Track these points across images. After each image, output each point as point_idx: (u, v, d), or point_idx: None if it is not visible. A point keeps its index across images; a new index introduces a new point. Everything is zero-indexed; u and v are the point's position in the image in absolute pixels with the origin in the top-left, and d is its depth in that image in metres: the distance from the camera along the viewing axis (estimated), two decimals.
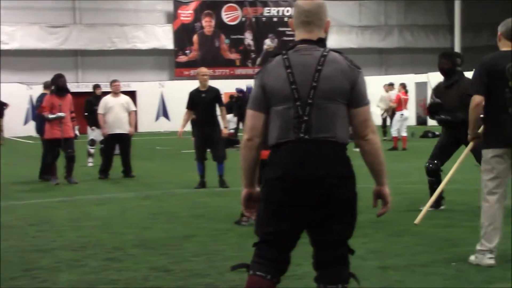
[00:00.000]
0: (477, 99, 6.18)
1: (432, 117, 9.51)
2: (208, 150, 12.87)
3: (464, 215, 8.80)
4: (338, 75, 3.80)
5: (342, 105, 3.81)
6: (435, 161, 9.19)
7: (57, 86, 13.88)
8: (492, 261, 6.05)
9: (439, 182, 8.69)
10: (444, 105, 9.10)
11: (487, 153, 6.19)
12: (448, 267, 6.15)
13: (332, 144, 3.78)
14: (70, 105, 13.96)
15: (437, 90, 9.40)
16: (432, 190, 8.87)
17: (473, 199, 9.47)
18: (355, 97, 3.82)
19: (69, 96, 14.07)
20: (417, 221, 6.79)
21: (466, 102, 8.22)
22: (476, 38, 44.77)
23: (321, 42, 3.96)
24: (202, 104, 12.68)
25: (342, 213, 3.83)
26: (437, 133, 23.35)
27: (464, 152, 6.95)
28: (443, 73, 9.28)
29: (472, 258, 6.20)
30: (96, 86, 18.26)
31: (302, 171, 3.73)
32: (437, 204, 8.88)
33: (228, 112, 26.46)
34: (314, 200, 3.76)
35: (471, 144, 6.64)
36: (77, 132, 14.98)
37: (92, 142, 18.03)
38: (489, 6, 43.98)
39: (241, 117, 26.23)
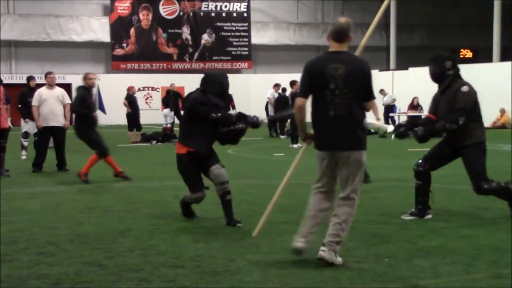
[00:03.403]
0: (299, 102, 6.34)
1: (404, 136, 9.08)
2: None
3: (395, 211, 8.92)
4: None
5: None
6: (424, 164, 8.55)
7: None
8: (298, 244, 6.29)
9: (427, 187, 8.51)
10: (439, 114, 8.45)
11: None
12: (381, 262, 6.23)
13: None
14: (2, 96, 13.69)
15: (435, 98, 8.62)
16: (418, 194, 8.54)
17: (404, 197, 9.65)
18: None
19: (1, 88, 13.80)
20: (255, 233, 7.03)
21: (457, 108, 8.16)
22: (410, 37, 45.59)
23: None
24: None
25: None
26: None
27: (300, 152, 7.10)
28: (433, 79, 8.56)
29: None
30: (30, 78, 17.96)
31: None
32: (422, 213, 8.49)
33: (165, 107, 26.42)
34: None
35: (304, 145, 6.80)
36: (10, 124, 14.69)
37: (26, 135, 17.74)
38: (423, 6, 44.80)
39: (177, 112, 26.12)
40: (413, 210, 8.56)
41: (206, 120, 8.27)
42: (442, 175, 12.17)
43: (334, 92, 6.15)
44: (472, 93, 8.27)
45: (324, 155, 6.31)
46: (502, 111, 30.92)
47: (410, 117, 8.90)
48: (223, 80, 8.60)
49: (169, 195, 10.83)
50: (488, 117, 30.97)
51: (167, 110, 26.17)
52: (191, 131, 8.33)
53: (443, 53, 9.10)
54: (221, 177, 8.30)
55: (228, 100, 24.12)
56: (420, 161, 8.59)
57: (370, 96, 6.33)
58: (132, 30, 42.30)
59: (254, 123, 8.59)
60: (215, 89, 8.47)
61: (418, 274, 5.72)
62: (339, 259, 6.15)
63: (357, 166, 6.24)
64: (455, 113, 8.16)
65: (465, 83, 8.34)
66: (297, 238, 6.31)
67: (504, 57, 33.98)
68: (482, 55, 40.73)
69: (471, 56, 46.08)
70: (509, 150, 18.63)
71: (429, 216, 8.49)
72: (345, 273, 5.82)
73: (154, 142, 24.11)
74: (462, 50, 46.40)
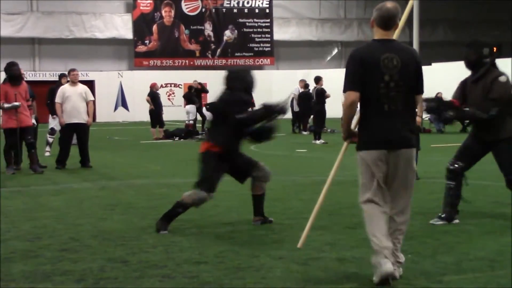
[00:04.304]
0: (351, 96, 5.53)
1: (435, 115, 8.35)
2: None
3: (418, 207, 8.86)
4: None
5: None
6: (458, 162, 8.04)
7: (10, 75, 13.67)
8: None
9: (458, 188, 8.04)
10: (469, 103, 8.00)
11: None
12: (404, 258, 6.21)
13: None
14: (25, 93, 13.78)
15: (463, 86, 8.14)
16: (449, 197, 8.04)
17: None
18: None
19: (24, 84, 13.89)
20: (299, 245, 6.26)
21: (490, 99, 7.75)
22: (433, 33, 45.34)
23: None
24: None
25: None
26: None
27: (342, 150, 6.10)
28: (468, 65, 8.07)
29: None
30: (63, 75, 18.13)
31: None
32: (450, 216, 8.00)
33: (188, 103, 26.42)
34: None
35: (345, 144, 5.95)
36: (34, 121, 14.79)
37: (52, 131, 17.88)
38: (446, 1, 44.52)
39: (199, 108, 26.15)
40: (440, 214, 8.08)
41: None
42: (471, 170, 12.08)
43: (389, 84, 5.51)
44: (509, 85, 7.88)
45: (379, 156, 5.54)
46: None
47: (439, 98, 8.57)
48: (246, 75, 8.45)
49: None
50: None
51: (189, 107, 26.12)
52: (221, 130, 8.09)
53: (481, 39, 8.62)
54: (269, 175, 8.14)
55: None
56: (453, 159, 8.09)
57: (421, 89, 5.73)
58: (154, 27, 42.40)
59: (280, 110, 7.91)
60: (241, 85, 8.32)
61: (441, 270, 5.69)
62: (401, 270, 5.70)
63: (414, 166, 5.68)
64: (489, 103, 7.76)
65: (503, 73, 7.93)
66: (384, 259, 5.43)
67: None
68: (506, 50, 40.38)
69: (494, 51, 45.73)
70: None
71: (457, 221, 7.99)
72: (368, 269, 5.79)
73: (176, 138, 24.13)
74: None
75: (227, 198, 10.05)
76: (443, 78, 26.26)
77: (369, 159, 5.56)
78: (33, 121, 14.47)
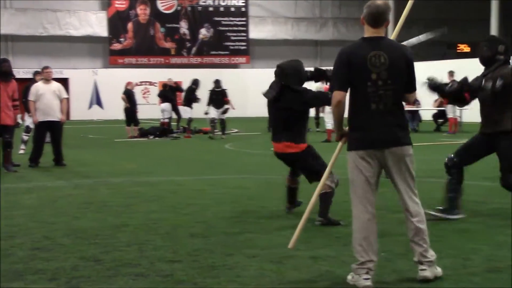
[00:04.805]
0: (338, 96, 5.46)
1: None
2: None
3: (394, 206, 8.90)
4: None
5: None
6: (455, 158, 8.15)
7: (0, 71, 13.52)
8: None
9: (457, 183, 8.12)
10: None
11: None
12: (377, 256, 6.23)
13: None
14: (13, 92, 13.61)
15: (476, 81, 8.17)
16: (447, 190, 8.16)
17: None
18: None
19: (13, 83, 13.72)
20: (291, 245, 6.08)
21: (498, 95, 7.78)
22: (408, 32, 45.49)
23: None
24: None
25: None
26: None
27: (336, 151, 6.00)
28: (482, 61, 8.09)
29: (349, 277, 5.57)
30: (36, 73, 17.96)
31: None
32: (449, 211, 8.09)
33: (163, 101, 26.36)
34: None
35: (340, 144, 5.86)
36: (19, 121, 14.69)
37: (28, 129, 17.75)
38: (421, 1, 44.68)
39: (174, 107, 26.10)
40: (440, 207, 8.17)
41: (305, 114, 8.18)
42: (441, 170, 12.16)
43: (376, 83, 5.41)
44: None
45: (368, 155, 5.47)
46: None
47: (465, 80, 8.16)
48: (300, 67, 8.35)
49: (166, 190, 10.83)
50: None
51: (164, 105, 26.07)
52: (301, 129, 8.17)
53: (497, 36, 8.69)
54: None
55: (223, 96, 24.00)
56: (452, 155, 8.23)
57: (413, 87, 5.62)
58: (129, 25, 42.25)
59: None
60: (296, 79, 8.23)
61: (413, 268, 5.72)
62: (439, 269, 5.60)
63: (412, 162, 5.53)
64: (496, 78, 7.81)
65: None
66: (363, 275, 5.40)
67: None
68: (480, 50, 40.73)
69: (469, 50, 46.07)
70: None
71: (458, 216, 8.06)
72: (342, 267, 5.81)
73: (151, 137, 24.07)
74: (459, 44, 46.39)
75: (202, 196, 10.04)
76: (419, 77, 26.32)
77: (357, 159, 5.50)
78: (19, 120, 14.36)
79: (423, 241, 5.52)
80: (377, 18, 5.49)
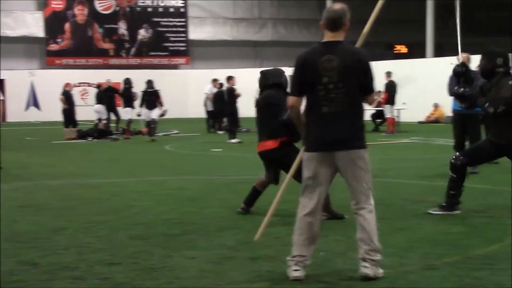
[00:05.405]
0: (290, 101, 5.69)
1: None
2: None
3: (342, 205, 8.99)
4: None
5: None
6: (461, 157, 8.30)
7: None
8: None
9: (461, 181, 8.29)
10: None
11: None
12: (316, 256, 6.29)
13: None
14: None
15: (482, 91, 8.40)
16: (450, 188, 8.34)
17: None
18: None
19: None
20: (257, 237, 6.38)
21: (499, 97, 7.95)
22: (351, 33, 45.89)
23: None
24: None
25: None
26: None
27: (299, 154, 6.14)
28: (483, 74, 8.36)
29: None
30: None
31: None
32: (450, 207, 8.32)
33: (98, 102, 26.12)
34: None
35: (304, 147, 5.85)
36: None
37: None
38: (358, 2, 45.19)
39: (113, 108, 25.89)
40: (443, 204, 8.40)
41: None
42: (381, 169, 12.35)
43: (327, 86, 5.50)
44: None
45: (319, 158, 5.60)
46: (436, 106, 31.46)
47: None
48: (281, 74, 8.47)
49: (106, 192, 10.75)
50: (422, 111, 31.55)
51: (98, 106, 25.88)
52: (275, 125, 8.14)
53: (495, 49, 8.81)
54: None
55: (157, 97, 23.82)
56: (458, 154, 8.45)
57: (370, 89, 5.68)
58: (67, 25, 41.69)
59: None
60: (277, 83, 8.37)
61: (353, 267, 5.79)
62: (380, 271, 5.66)
63: (365, 165, 5.61)
64: (498, 99, 7.99)
65: None
66: (293, 267, 5.59)
67: (437, 53, 34.61)
68: (417, 51, 41.34)
69: (406, 51, 46.76)
70: (442, 144, 18.97)
71: (458, 211, 8.31)
72: (281, 267, 5.85)
73: (90, 138, 23.81)
74: (397, 45, 47.03)
75: (143, 198, 10.00)
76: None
77: (309, 160, 5.64)
78: None
79: (369, 240, 5.61)
80: (335, 23, 5.64)
